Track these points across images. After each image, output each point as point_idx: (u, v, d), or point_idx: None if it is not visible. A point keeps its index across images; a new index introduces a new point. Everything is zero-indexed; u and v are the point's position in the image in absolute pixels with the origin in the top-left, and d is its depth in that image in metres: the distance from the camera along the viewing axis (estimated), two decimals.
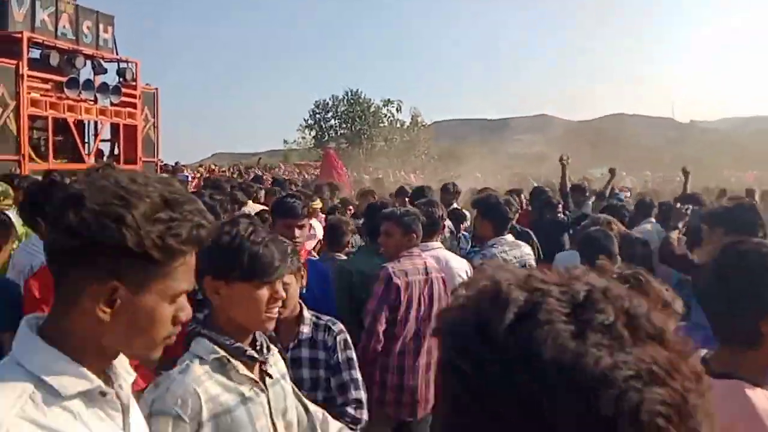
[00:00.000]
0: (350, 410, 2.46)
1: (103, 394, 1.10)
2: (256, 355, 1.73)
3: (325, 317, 2.59)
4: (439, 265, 3.75)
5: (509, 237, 4.31)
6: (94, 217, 1.04)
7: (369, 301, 3.44)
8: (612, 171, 8.90)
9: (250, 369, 1.73)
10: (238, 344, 1.70)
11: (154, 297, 1.10)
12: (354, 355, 2.61)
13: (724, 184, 10.13)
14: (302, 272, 2.58)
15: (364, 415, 2.50)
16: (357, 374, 2.57)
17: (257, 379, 1.73)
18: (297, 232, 3.39)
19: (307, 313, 2.53)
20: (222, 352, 1.67)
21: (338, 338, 2.53)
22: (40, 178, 7.27)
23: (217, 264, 1.68)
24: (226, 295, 1.70)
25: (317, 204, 6.53)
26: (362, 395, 2.53)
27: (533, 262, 4.26)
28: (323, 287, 3.57)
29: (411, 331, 3.49)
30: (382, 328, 3.38)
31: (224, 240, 1.71)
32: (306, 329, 2.51)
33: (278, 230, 3.01)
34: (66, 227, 1.05)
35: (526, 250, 4.38)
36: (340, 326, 2.57)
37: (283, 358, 1.95)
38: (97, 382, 1.09)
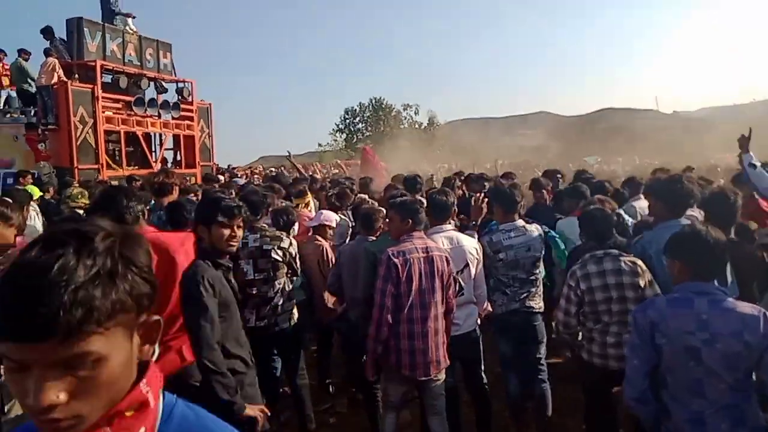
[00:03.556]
0: None
1: None
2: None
3: None
4: (451, 244, 4.00)
5: (519, 222, 4.39)
6: None
7: (377, 281, 3.64)
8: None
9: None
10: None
11: None
12: None
13: (705, 165, 10.78)
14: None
15: None
16: None
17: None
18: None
19: None
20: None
21: None
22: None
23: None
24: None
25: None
26: None
27: (538, 245, 4.38)
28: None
29: (416, 301, 3.62)
30: (388, 301, 3.56)
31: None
32: None
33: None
34: None
35: (535, 235, 4.37)
36: None
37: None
38: None
